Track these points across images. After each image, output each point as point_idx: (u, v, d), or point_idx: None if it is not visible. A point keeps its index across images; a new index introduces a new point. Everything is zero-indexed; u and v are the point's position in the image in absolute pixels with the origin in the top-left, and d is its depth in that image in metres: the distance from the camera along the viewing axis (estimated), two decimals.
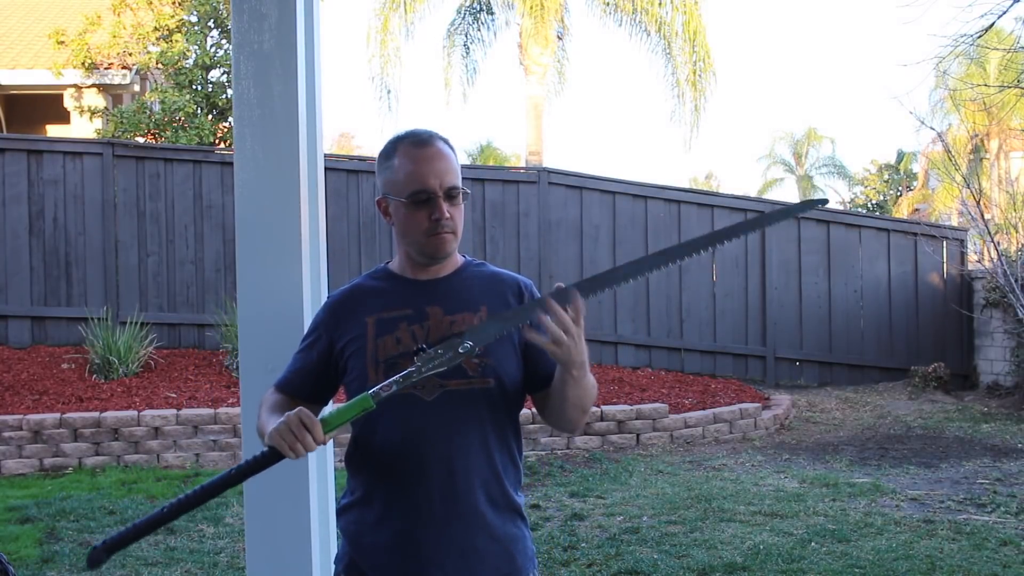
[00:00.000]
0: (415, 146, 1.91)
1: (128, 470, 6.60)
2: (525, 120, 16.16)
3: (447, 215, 1.87)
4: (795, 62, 78.79)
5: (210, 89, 11.63)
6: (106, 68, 12.17)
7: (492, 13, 16.46)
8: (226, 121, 11.61)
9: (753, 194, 31.98)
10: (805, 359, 10.54)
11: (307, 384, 1.96)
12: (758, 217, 1.87)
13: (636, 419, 7.73)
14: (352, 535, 1.93)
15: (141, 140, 10.81)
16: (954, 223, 14.84)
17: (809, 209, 2.00)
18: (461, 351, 1.75)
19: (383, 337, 1.88)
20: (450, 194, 1.89)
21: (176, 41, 11.65)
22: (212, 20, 11.89)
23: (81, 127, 12.24)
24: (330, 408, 1.77)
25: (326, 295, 2.23)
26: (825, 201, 2.08)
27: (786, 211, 1.95)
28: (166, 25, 11.80)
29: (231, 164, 4.30)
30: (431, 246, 1.90)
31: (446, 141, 1.95)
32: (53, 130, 13.36)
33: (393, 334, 1.88)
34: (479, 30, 16.62)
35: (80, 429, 6.74)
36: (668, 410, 7.96)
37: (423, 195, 1.87)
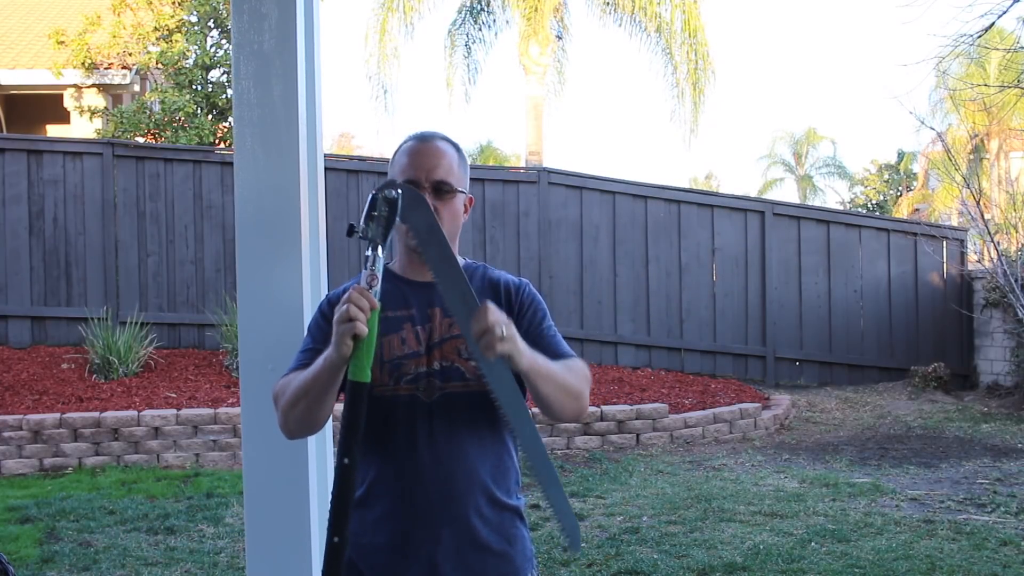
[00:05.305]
0: (414, 142, 1.96)
1: (128, 470, 6.60)
2: (525, 120, 16.15)
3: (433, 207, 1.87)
4: (795, 62, 78.78)
5: (210, 89, 11.63)
6: (106, 68, 12.16)
7: (493, 13, 16.45)
8: (226, 121, 11.60)
9: (753, 194, 32.01)
10: (805, 359, 10.53)
11: None
12: None
13: (636, 419, 7.73)
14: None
15: (141, 140, 10.81)
16: (954, 223, 14.83)
17: None
18: (389, 197, 1.69)
19: (388, 336, 1.89)
20: (438, 187, 1.90)
21: (176, 41, 11.65)
22: (212, 20, 11.89)
23: (81, 127, 12.23)
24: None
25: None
26: None
27: None
28: (166, 25, 11.80)
29: (231, 164, 4.30)
30: None
31: (450, 142, 1.97)
32: (53, 130, 13.35)
33: (398, 334, 1.89)
34: (480, 30, 16.60)
35: (80, 429, 6.74)
36: (668, 410, 7.96)
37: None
